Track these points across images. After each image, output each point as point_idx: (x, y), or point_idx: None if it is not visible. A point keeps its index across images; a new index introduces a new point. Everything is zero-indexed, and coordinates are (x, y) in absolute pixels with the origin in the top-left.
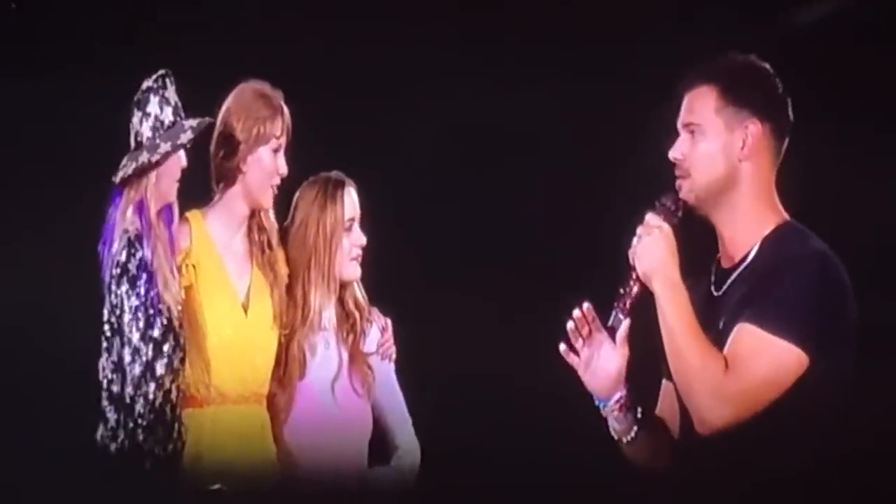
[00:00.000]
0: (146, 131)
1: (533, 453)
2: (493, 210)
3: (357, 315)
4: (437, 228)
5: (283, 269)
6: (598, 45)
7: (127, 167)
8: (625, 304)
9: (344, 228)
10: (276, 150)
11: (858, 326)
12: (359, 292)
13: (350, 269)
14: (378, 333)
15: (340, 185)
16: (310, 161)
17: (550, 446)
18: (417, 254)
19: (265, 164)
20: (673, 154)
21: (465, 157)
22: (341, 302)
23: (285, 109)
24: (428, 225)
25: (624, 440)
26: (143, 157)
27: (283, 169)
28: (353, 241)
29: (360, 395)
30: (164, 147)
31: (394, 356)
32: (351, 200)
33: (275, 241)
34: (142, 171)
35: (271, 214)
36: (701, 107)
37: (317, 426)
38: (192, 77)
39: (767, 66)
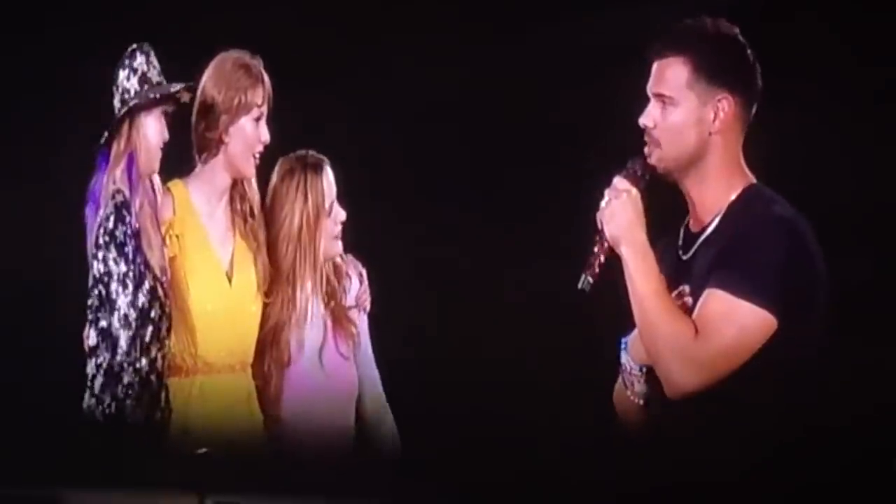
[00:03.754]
0: (133, 86)
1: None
2: (465, 172)
3: (336, 281)
4: (414, 192)
5: (265, 237)
6: (570, 7)
7: (114, 119)
8: (593, 267)
9: (326, 213)
10: (257, 119)
11: (827, 289)
12: (337, 259)
13: (333, 246)
14: (357, 284)
15: (319, 168)
16: (285, 128)
17: (522, 408)
18: (393, 212)
19: (247, 134)
20: (643, 121)
21: (440, 120)
22: (322, 275)
23: (266, 77)
24: (404, 189)
25: (641, 402)
26: (131, 102)
27: (266, 137)
28: (335, 220)
29: (345, 357)
30: (153, 95)
31: (368, 307)
32: (329, 182)
33: (257, 209)
34: (130, 118)
35: (253, 183)
36: (673, 78)
37: (307, 397)
38: (171, 47)
39: (737, 31)
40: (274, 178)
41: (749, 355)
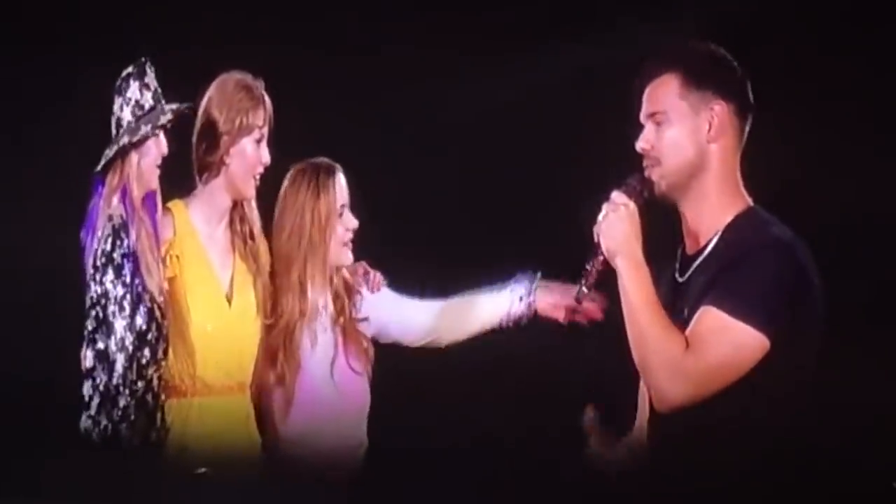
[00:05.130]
0: (127, 116)
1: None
2: (467, 186)
3: (346, 295)
4: (416, 205)
5: (265, 259)
6: (572, 24)
7: (108, 153)
8: (589, 279)
9: (337, 215)
10: (258, 141)
11: (823, 312)
12: (347, 273)
13: (343, 254)
14: (367, 293)
15: (331, 171)
16: (285, 145)
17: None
18: (396, 231)
19: (248, 155)
20: (640, 145)
21: (443, 138)
22: (332, 285)
23: (267, 99)
24: (408, 201)
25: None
26: (124, 140)
27: (266, 158)
28: (346, 226)
29: (358, 372)
30: (144, 129)
31: (383, 282)
32: (341, 186)
33: (257, 231)
34: (122, 154)
35: (253, 204)
36: (664, 94)
37: (318, 412)
38: (173, 68)
39: (723, 51)
40: (285, 182)
41: (739, 374)
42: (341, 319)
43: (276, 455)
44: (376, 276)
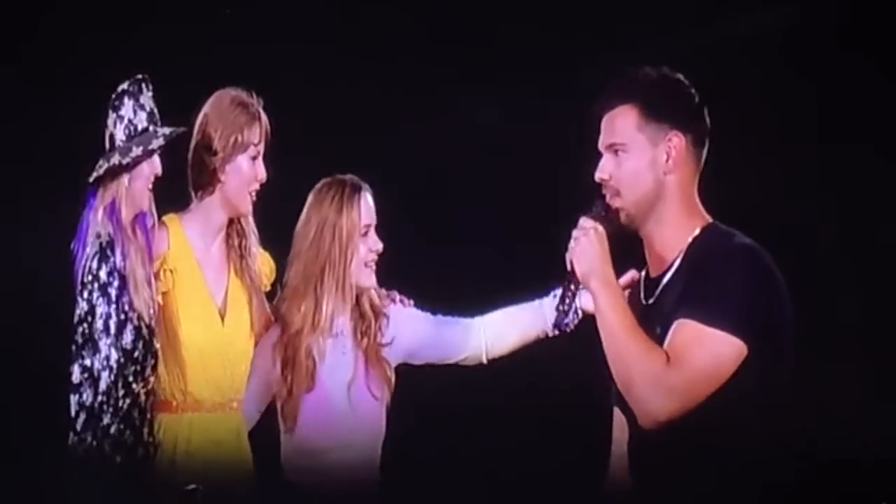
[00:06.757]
0: (119, 134)
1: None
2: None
3: (372, 318)
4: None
5: (264, 274)
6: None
7: (100, 168)
8: (565, 305)
9: (360, 234)
10: (254, 157)
11: (792, 315)
12: (375, 296)
13: (365, 275)
14: (394, 313)
15: (357, 189)
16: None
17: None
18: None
19: (244, 172)
20: (599, 175)
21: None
22: (358, 306)
23: (263, 115)
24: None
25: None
26: (115, 160)
27: (262, 175)
28: (369, 247)
29: (376, 397)
30: (136, 151)
31: (410, 303)
32: (367, 206)
33: (253, 247)
34: (113, 173)
35: (251, 219)
36: (622, 126)
37: (329, 430)
38: (177, 83)
39: (681, 76)
40: (311, 193)
41: (721, 382)
42: (365, 342)
43: (286, 465)
44: (404, 300)
